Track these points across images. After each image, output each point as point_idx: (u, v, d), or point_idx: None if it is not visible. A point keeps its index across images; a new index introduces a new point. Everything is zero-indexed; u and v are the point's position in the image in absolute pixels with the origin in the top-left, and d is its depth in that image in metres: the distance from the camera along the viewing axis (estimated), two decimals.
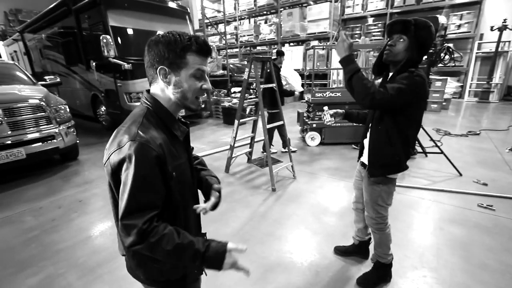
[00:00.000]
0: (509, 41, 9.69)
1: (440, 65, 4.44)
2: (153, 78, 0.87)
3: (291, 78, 5.16)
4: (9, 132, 3.41)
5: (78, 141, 4.36)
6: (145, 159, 0.77)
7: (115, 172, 0.79)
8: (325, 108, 1.84)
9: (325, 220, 2.65)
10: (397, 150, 1.54)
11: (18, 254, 2.27)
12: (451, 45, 4.56)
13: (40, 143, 3.65)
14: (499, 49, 9.44)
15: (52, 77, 5.03)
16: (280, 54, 4.31)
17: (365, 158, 1.69)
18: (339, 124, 4.96)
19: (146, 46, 0.85)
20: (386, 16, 10.63)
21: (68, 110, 4.13)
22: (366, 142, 1.69)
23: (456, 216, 2.64)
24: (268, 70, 3.70)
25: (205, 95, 0.82)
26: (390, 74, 1.54)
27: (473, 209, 2.75)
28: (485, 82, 9.85)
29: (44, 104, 3.73)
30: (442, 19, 3.88)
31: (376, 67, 1.63)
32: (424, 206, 2.84)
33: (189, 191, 0.96)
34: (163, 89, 0.87)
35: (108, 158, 0.80)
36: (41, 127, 3.69)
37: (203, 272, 1.08)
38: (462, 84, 10.71)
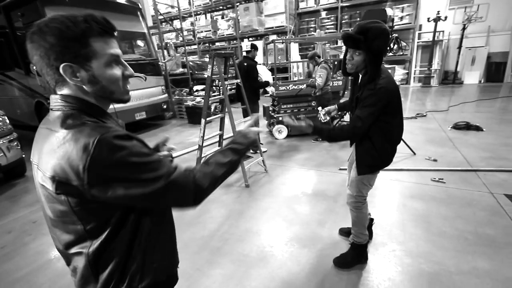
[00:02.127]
0: (443, 31, 10.84)
1: (389, 54, 4.79)
2: (57, 81, 0.69)
3: (263, 73, 5.22)
4: None
5: (23, 155, 3.88)
6: (128, 139, 0.66)
7: (108, 181, 0.63)
8: (319, 109, 2.02)
9: (299, 210, 2.73)
10: (381, 152, 1.66)
11: None
12: (397, 35, 4.96)
13: None
14: (436, 38, 10.52)
15: None
16: (254, 47, 4.34)
17: (353, 153, 1.84)
18: (304, 116, 5.12)
19: (27, 40, 0.65)
20: (338, 10, 11.16)
21: (7, 121, 3.64)
22: None
23: (415, 191, 2.90)
24: (231, 64, 3.66)
25: (129, 82, 0.77)
26: (360, 75, 1.67)
27: (428, 183, 3.05)
28: (426, 69, 10.93)
29: None
30: (389, 11, 4.19)
31: (344, 71, 1.69)
32: (387, 186, 3.07)
33: None
34: (77, 89, 0.70)
35: (88, 175, 0.60)
36: None
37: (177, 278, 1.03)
38: (407, 71, 11.75)
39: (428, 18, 10.17)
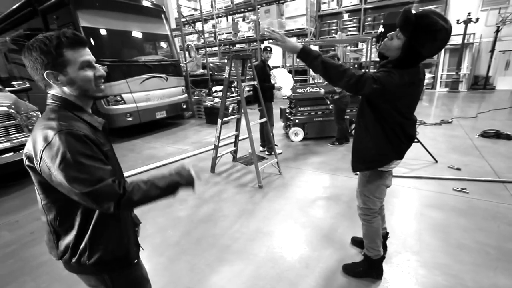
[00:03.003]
0: (474, 34, 10.28)
1: None
2: (45, 84, 0.89)
3: (279, 79, 5.17)
4: None
5: None
6: (79, 139, 0.80)
7: (51, 167, 0.78)
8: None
9: (312, 213, 2.71)
10: (376, 145, 1.52)
11: None
12: None
13: (12, 153, 3.43)
14: (465, 41, 10.00)
15: (21, 82, 4.74)
16: (265, 49, 4.30)
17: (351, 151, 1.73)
18: (321, 119, 5.07)
19: (22, 56, 0.86)
20: (361, 12, 10.92)
21: (40, 116, 3.92)
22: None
23: (434, 201, 2.78)
24: (250, 66, 3.70)
25: (103, 80, 0.97)
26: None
27: (449, 193, 2.91)
28: (454, 73, 10.41)
29: (13, 111, 3.51)
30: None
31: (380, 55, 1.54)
32: (404, 194, 2.97)
33: (119, 174, 1.04)
34: (60, 90, 0.89)
35: (41, 158, 0.78)
36: (11, 136, 3.48)
37: (141, 248, 1.15)
38: (433, 75, 11.25)
39: (458, 20, 9.68)
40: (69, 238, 0.91)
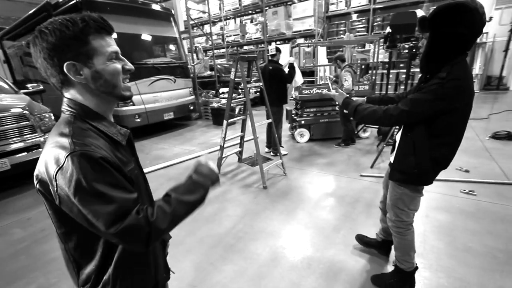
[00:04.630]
0: (487, 33, 10.03)
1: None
2: (61, 81, 0.72)
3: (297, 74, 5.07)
4: None
5: None
6: (95, 163, 0.65)
7: (68, 196, 0.64)
8: (328, 77, 1.84)
9: (315, 214, 2.71)
10: (420, 163, 1.43)
11: (7, 266, 2.23)
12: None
13: (25, 153, 3.57)
14: (478, 41, 9.74)
15: (35, 84, 4.91)
16: (279, 50, 4.35)
17: (392, 157, 1.63)
18: (327, 120, 5.05)
19: (31, 45, 0.70)
20: (370, 12, 10.81)
21: (53, 118, 4.05)
22: (397, 138, 1.59)
23: (441, 203, 2.74)
24: (255, 68, 3.73)
25: (129, 76, 0.80)
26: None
27: (457, 195, 2.86)
28: None
29: (27, 112, 3.65)
30: (419, 12, 3.99)
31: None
32: None
33: (146, 198, 0.88)
34: (81, 88, 0.73)
35: (57, 184, 0.64)
36: (25, 136, 3.61)
37: (171, 272, 1.07)
38: None
39: None
40: (90, 268, 0.77)
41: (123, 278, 0.79)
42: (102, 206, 0.63)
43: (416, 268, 1.73)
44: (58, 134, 0.68)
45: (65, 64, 0.68)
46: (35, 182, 0.70)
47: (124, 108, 5.51)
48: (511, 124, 5.39)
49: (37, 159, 0.73)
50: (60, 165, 0.63)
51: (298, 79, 4.61)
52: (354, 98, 1.75)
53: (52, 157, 0.65)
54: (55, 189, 0.65)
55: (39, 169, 0.68)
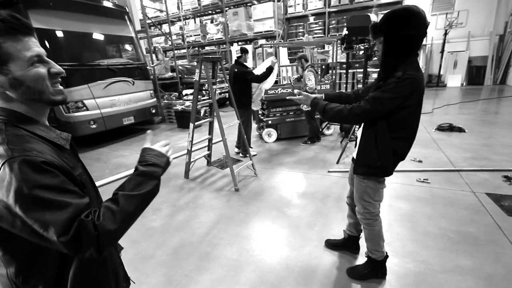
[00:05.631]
0: (426, 36, 11.19)
1: (375, 58, 4.91)
2: None
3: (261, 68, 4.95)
4: None
5: None
6: (40, 169, 0.58)
7: (9, 207, 0.57)
8: (296, 91, 1.82)
9: (289, 213, 2.74)
10: (382, 156, 1.53)
11: None
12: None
13: None
14: None
15: None
16: (244, 51, 4.23)
17: (355, 153, 1.72)
18: (293, 119, 5.17)
19: None
20: (325, 15, 11.37)
21: None
22: (359, 135, 1.68)
23: (401, 192, 2.97)
24: (220, 69, 3.66)
25: (60, 79, 0.72)
26: None
27: (414, 184, 3.13)
28: None
29: None
30: (373, 17, 4.30)
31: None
32: None
33: (96, 204, 0.81)
34: (3, 96, 0.66)
35: None
36: None
37: (131, 282, 1.01)
38: None
39: None
40: None
41: None
42: (51, 214, 0.57)
43: (387, 256, 1.84)
44: None
45: None
46: None
47: (76, 114, 4.99)
48: (451, 116, 6.09)
49: None
50: None
51: (269, 83, 4.54)
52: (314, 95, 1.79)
53: None
54: None
55: None
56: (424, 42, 11.10)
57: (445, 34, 10.60)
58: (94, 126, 5.28)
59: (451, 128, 5.03)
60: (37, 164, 0.58)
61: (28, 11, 4.51)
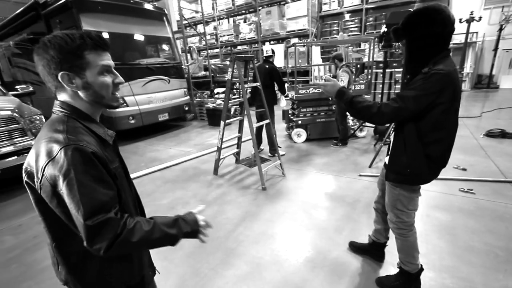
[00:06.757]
0: (477, 32, 10.21)
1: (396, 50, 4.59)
2: (56, 87, 0.80)
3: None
4: None
5: None
6: (87, 159, 0.71)
7: (55, 186, 0.70)
8: (323, 76, 1.77)
9: (316, 215, 2.68)
10: (412, 162, 1.42)
11: None
12: None
13: (15, 157, 3.44)
14: (468, 40, 9.92)
15: (24, 86, 4.76)
16: (273, 52, 4.41)
17: (387, 158, 1.62)
18: (324, 120, 5.04)
19: (34, 54, 0.78)
20: (362, 12, 10.88)
21: (44, 120, 3.93)
22: (392, 139, 1.58)
23: (440, 202, 2.75)
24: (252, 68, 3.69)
25: (119, 89, 0.91)
26: None
27: (456, 194, 2.87)
28: None
29: (17, 115, 3.52)
30: None
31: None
32: None
33: (129, 198, 0.92)
34: (73, 95, 0.81)
35: (42, 174, 0.70)
36: (15, 139, 3.49)
37: (156, 271, 1.11)
38: None
39: (461, 19, 9.61)
40: (71, 266, 0.83)
41: (106, 274, 0.84)
42: (85, 198, 0.68)
43: (422, 269, 1.71)
44: (52, 130, 0.75)
45: (59, 73, 0.76)
46: (24, 174, 0.76)
47: (117, 110, 5.38)
48: (503, 122, 5.48)
49: None
50: (52, 157, 0.69)
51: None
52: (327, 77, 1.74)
53: (44, 150, 0.71)
54: (40, 180, 0.71)
55: (29, 162, 0.75)
56: (474, 39, 10.19)
57: (500, 29, 9.57)
58: (132, 121, 5.64)
59: (503, 135, 4.53)
60: (86, 153, 0.71)
61: (80, 15, 4.95)
